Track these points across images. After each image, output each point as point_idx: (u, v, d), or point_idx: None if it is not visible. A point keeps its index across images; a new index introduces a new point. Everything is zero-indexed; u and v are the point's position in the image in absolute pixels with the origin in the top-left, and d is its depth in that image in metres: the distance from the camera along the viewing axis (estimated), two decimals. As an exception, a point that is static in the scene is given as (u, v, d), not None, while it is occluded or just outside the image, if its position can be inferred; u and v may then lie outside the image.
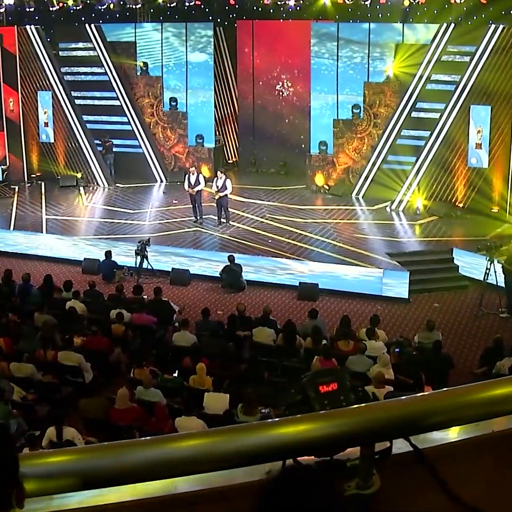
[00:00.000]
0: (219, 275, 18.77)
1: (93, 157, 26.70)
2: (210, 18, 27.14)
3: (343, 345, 13.62)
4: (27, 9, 25.87)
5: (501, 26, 21.41)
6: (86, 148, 26.75)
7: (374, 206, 23.60)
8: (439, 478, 1.80)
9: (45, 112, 27.00)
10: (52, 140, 27.18)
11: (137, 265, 19.10)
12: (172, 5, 25.91)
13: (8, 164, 27.12)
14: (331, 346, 13.55)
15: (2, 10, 26.53)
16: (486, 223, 20.98)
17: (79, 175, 26.46)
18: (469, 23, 23.25)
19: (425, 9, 23.96)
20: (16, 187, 26.42)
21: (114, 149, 26.95)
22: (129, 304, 15.74)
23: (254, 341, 14.07)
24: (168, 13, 27.22)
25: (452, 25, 22.95)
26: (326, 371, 1.85)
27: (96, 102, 27.12)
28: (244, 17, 27.23)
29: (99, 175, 26.68)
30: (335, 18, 25.19)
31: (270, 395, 11.67)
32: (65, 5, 25.81)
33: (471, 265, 18.90)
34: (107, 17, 27.43)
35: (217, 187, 21.48)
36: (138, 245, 19.15)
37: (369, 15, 24.88)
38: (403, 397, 1.82)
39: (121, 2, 25.95)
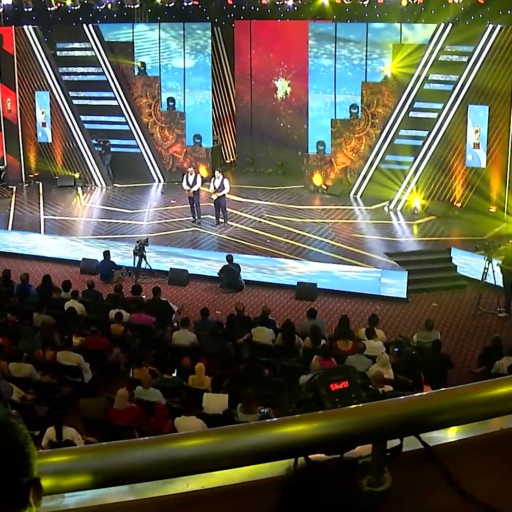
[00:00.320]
0: (217, 275, 18.78)
1: (91, 157, 26.69)
2: (208, 18, 27.16)
3: (342, 345, 13.63)
4: (25, 9, 25.83)
5: (498, 26, 21.43)
6: (84, 148, 26.74)
7: (372, 206, 23.63)
8: (450, 476, 1.81)
9: (42, 112, 26.99)
10: (49, 140, 27.17)
11: (136, 265, 19.10)
12: (170, 5, 25.90)
13: (5, 164, 27.11)
14: (330, 346, 13.57)
15: (0, 10, 26.50)
16: (484, 223, 21.00)
17: (77, 175, 26.45)
18: (467, 23, 23.30)
19: (423, 9, 23.97)
20: (14, 187, 26.41)
21: (112, 149, 26.95)
22: (128, 304, 15.75)
23: (253, 341, 14.08)
24: (166, 13, 27.23)
25: (450, 25, 22.97)
26: (337, 369, 1.86)
27: (94, 102, 27.11)
28: (242, 17, 27.24)
29: (97, 175, 26.67)
30: (332, 18, 25.21)
31: (269, 394, 11.69)
32: (63, 5, 25.79)
33: (469, 264, 18.92)
34: (105, 17, 27.42)
35: (215, 187, 21.49)
36: (136, 245, 19.15)
37: (366, 15, 24.91)
38: (415, 395, 1.82)
39: (119, 2, 25.95)
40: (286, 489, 1.46)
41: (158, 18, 27.43)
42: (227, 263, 18.55)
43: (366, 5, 24.21)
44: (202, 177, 22.67)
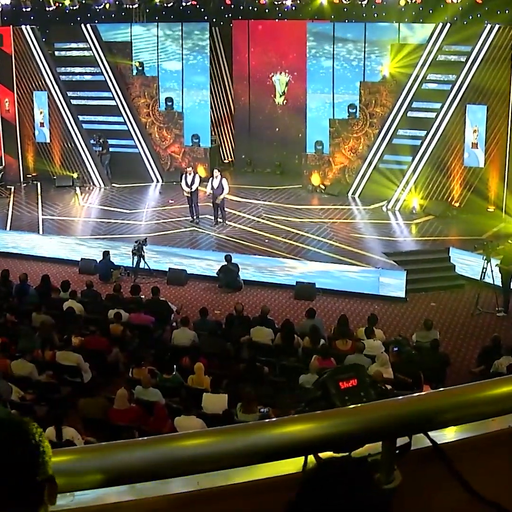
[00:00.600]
0: (216, 275, 18.78)
1: (89, 157, 26.67)
2: (206, 18, 27.14)
3: (341, 345, 13.64)
4: (23, 9, 25.81)
5: (497, 26, 21.44)
6: (82, 148, 26.72)
7: (370, 206, 23.64)
8: (458, 473, 1.82)
9: (41, 112, 26.98)
10: (48, 140, 27.15)
11: (134, 265, 19.10)
12: (168, 5, 25.89)
13: (4, 164, 27.10)
14: (329, 346, 13.58)
15: (-1, 9, 26.51)
16: (482, 223, 20.99)
17: (75, 175, 26.44)
18: (465, 22, 23.30)
19: (421, 8, 23.99)
20: (12, 187, 26.39)
21: (110, 149, 26.94)
22: (127, 304, 15.75)
23: (252, 340, 14.08)
24: (164, 13, 27.22)
25: (448, 24, 22.98)
26: (346, 367, 1.87)
27: (92, 102, 27.09)
28: (240, 17, 27.23)
29: (95, 175, 26.65)
30: (330, 17, 25.22)
31: (268, 394, 11.69)
32: (61, 5, 25.76)
33: (467, 264, 18.94)
34: (103, 17, 27.39)
35: (213, 186, 21.50)
36: (135, 245, 19.15)
37: (365, 14, 24.92)
38: (422, 393, 1.83)
39: (117, 2, 25.93)
40: (300, 487, 1.46)
41: (156, 18, 27.42)
42: (225, 263, 18.56)
43: (364, 5, 24.22)
44: (200, 177, 22.67)
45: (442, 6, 23.10)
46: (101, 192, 26.27)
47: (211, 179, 21.79)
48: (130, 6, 25.99)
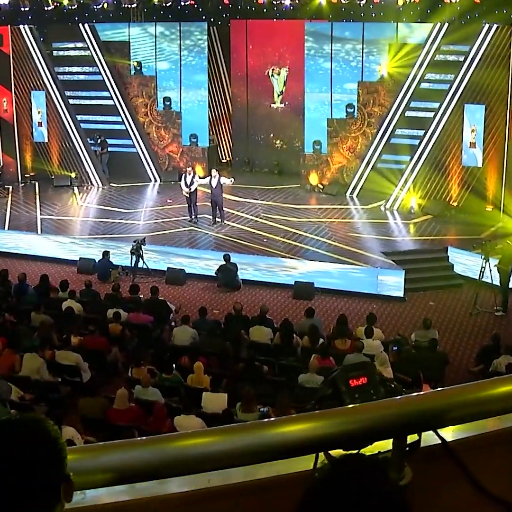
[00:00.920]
0: (214, 274, 18.78)
1: (87, 156, 26.66)
2: (204, 17, 27.13)
3: (340, 344, 13.65)
4: (22, 9, 25.77)
5: (494, 25, 21.46)
6: (80, 148, 26.71)
7: (368, 205, 23.65)
8: (467, 470, 1.83)
9: (39, 112, 26.96)
10: (46, 140, 27.13)
11: (133, 265, 19.10)
12: (166, 4, 25.88)
13: (1, 164, 27.09)
14: (328, 345, 13.59)
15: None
16: (480, 222, 21.00)
17: (73, 174, 26.43)
18: (463, 22, 23.30)
19: (419, 8, 24.00)
20: (10, 187, 26.38)
21: (109, 149, 26.95)
22: (126, 303, 15.74)
23: (251, 340, 14.09)
24: (162, 12, 27.22)
25: (446, 24, 23.00)
26: (356, 365, 1.88)
27: (90, 101, 27.09)
28: (238, 17, 27.23)
29: (93, 175, 26.65)
30: (328, 17, 25.21)
31: (268, 393, 11.69)
32: (59, 4, 25.73)
33: (466, 264, 18.96)
34: (101, 16, 27.37)
35: (212, 186, 21.50)
36: (133, 244, 19.15)
37: (363, 14, 24.92)
38: (431, 390, 1.84)
39: (115, 2, 25.90)
40: (317, 485, 1.47)
41: (154, 17, 27.41)
42: (224, 263, 18.56)
43: (362, 5, 24.22)
44: (199, 177, 22.67)
45: (440, 5, 23.11)
46: (99, 191, 26.26)
47: (209, 178, 21.78)
48: (129, 6, 25.95)
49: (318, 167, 25.51)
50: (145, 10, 27.44)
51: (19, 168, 27.20)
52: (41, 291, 16.47)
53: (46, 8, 25.73)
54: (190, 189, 21.72)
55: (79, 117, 26.94)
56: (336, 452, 1.76)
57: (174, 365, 12.49)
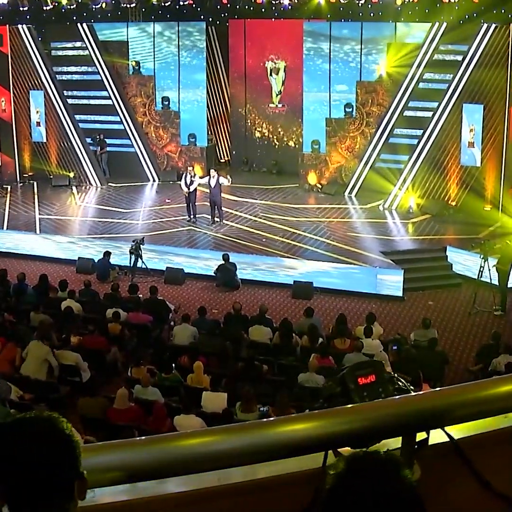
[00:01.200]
0: (213, 274, 18.78)
1: (85, 156, 26.65)
2: (202, 17, 27.12)
3: (339, 343, 13.67)
4: (21, 8, 25.75)
5: (493, 25, 21.46)
6: (79, 148, 26.70)
7: (367, 205, 23.66)
8: (473, 468, 1.84)
9: (37, 112, 26.94)
10: (44, 140, 27.12)
11: (132, 264, 19.09)
12: (165, 4, 25.86)
13: (0, 164, 27.05)
14: (328, 344, 13.60)
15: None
16: (479, 222, 21.02)
17: (71, 174, 26.41)
18: (461, 22, 23.30)
19: (417, 8, 24.02)
20: (9, 187, 26.35)
21: (107, 148, 26.95)
22: (125, 303, 15.75)
23: (251, 339, 14.10)
24: (160, 12, 27.22)
25: (444, 24, 23.01)
26: (364, 363, 1.88)
27: (88, 101, 27.08)
28: (236, 16, 27.23)
29: (92, 175, 26.64)
30: (327, 17, 25.22)
31: (267, 393, 11.70)
32: (57, 4, 25.70)
33: (465, 263, 18.97)
34: (99, 16, 27.37)
35: (211, 186, 21.50)
36: (132, 244, 19.14)
37: (361, 14, 24.92)
38: (439, 388, 1.85)
39: (113, 1, 25.88)
40: (334, 482, 1.47)
41: (153, 17, 27.41)
42: (223, 262, 18.56)
43: (361, 4, 24.22)
44: (200, 177, 22.65)
45: (438, 5, 23.13)
46: (97, 191, 26.26)
47: (208, 178, 21.77)
48: (127, 5, 25.93)
49: (316, 167, 25.51)
50: (144, 9, 27.42)
51: (18, 168, 27.17)
52: (40, 290, 16.48)
53: (44, 8, 25.69)
54: (189, 189, 21.73)
55: (77, 117, 26.93)
56: (344, 450, 1.77)
57: (173, 365, 12.50)
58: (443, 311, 17.45)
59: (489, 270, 17.26)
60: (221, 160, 28.89)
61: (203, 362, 12.43)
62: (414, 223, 21.96)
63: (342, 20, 25.64)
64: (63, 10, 26.30)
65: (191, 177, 21.83)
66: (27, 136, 27.26)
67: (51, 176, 26.74)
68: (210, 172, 22.08)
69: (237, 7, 26.46)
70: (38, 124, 27.05)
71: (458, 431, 1.90)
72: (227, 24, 27.69)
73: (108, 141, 26.93)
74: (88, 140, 26.91)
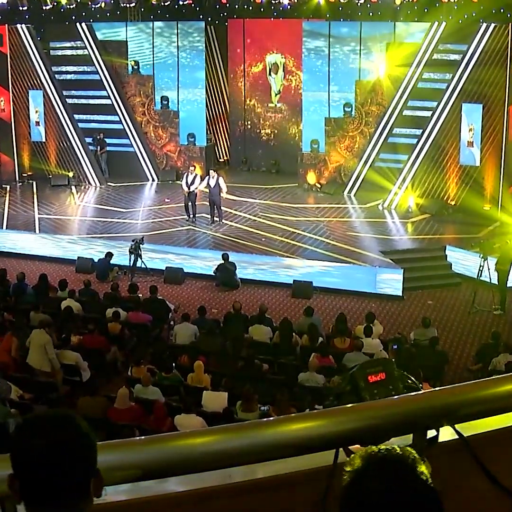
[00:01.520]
0: (213, 273, 18.78)
1: (84, 156, 26.65)
2: (201, 17, 27.12)
3: (339, 343, 13.68)
4: (20, 8, 25.73)
5: (492, 25, 21.47)
6: (78, 147, 26.69)
7: (366, 204, 23.66)
8: (483, 465, 1.84)
9: (36, 111, 26.92)
10: (43, 139, 27.10)
11: (131, 264, 19.08)
12: (164, 4, 25.85)
13: (-1, 163, 27.08)
14: (328, 344, 13.61)
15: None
16: (478, 221, 21.02)
17: (70, 174, 26.40)
18: (460, 21, 23.31)
19: (416, 7, 24.03)
20: (8, 187, 26.33)
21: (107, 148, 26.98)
22: (125, 302, 15.75)
23: (251, 339, 14.10)
24: (159, 11, 27.21)
25: (443, 23, 23.02)
26: (374, 361, 1.89)
27: (88, 101, 27.06)
28: (235, 16, 27.23)
29: (91, 174, 26.64)
30: (326, 16, 25.22)
31: (267, 392, 11.71)
32: (57, 4, 25.68)
33: (464, 262, 18.98)
34: (98, 16, 27.36)
35: (210, 186, 21.50)
36: (132, 244, 19.14)
37: (360, 13, 24.94)
38: (448, 386, 1.86)
39: (113, 1, 25.86)
40: (351, 479, 1.48)
41: (152, 17, 27.40)
42: (223, 262, 18.56)
43: (360, 4, 24.24)
44: (201, 177, 22.64)
45: (437, 5, 23.14)
46: (97, 191, 26.25)
47: (207, 178, 21.78)
48: (126, 5, 25.92)
49: (315, 166, 25.52)
50: (143, 9, 27.41)
51: (17, 167, 27.15)
52: (40, 290, 16.47)
53: (43, 8, 25.67)
54: (189, 189, 21.73)
55: (76, 117, 26.92)
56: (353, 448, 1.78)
57: (173, 364, 12.50)
58: (442, 310, 17.47)
59: (489, 269, 17.27)
60: (220, 160, 28.89)
61: (203, 361, 12.44)
62: (413, 222, 21.97)
63: (342, 19, 25.64)
64: (62, 10, 26.28)
65: (193, 177, 21.83)
66: (26, 136, 27.25)
67: (50, 176, 26.73)
68: (210, 172, 22.09)
69: (236, 6, 26.46)
70: (37, 123, 27.04)
71: (467, 428, 1.91)
72: (226, 23, 27.69)
73: (107, 140, 26.92)
74: (89, 139, 26.89)
